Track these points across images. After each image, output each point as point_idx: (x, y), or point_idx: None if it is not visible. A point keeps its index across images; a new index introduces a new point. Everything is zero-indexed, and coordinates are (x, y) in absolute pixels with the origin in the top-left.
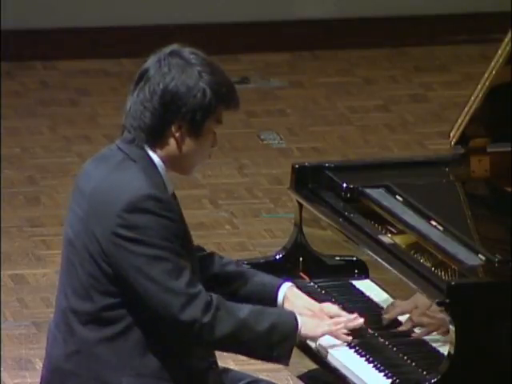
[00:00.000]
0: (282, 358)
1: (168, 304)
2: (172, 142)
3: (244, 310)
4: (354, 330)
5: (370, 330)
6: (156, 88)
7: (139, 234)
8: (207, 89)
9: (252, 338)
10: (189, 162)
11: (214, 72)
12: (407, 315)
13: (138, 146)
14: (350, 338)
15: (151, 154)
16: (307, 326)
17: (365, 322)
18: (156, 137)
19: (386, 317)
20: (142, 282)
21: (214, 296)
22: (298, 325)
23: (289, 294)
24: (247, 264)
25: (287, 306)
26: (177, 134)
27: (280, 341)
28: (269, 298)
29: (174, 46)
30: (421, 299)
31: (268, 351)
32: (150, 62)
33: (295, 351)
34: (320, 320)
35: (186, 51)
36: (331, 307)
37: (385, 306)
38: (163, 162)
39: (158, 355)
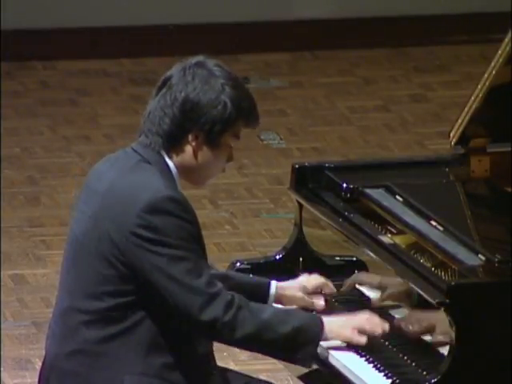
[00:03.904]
0: (306, 361)
1: (189, 303)
2: (188, 149)
3: (268, 311)
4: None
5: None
6: (178, 95)
7: (159, 235)
8: (228, 102)
9: (274, 339)
10: (202, 173)
11: (237, 86)
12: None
13: (154, 150)
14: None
15: (167, 159)
16: (332, 330)
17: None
18: (173, 142)
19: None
20: (162, 282)
21: (237, 296)
22: (323, 329)
23: (280, 291)
24: (247, 264)
25: (286, 302)
26: (193, 143)
27: (303, 344)
28: (260, 297)
29: (200, 57)
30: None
31: (291, 353)
32: (175, 69)
33: None
34: (345, 324)
35: (211, 63)
36: (316, 279)
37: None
38: (177, 169)
39: (162, 355)
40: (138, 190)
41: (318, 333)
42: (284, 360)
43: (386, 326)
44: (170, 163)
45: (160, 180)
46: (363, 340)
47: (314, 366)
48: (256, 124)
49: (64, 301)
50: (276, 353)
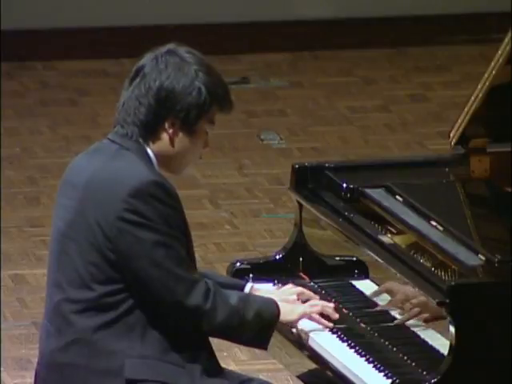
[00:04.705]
0: (264, 344)
1: (173, 289)
2: (165, 137)
3: (233, 296)
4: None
5: (368, 329)
6: (152, 84)
7: (145, 219)
8: (203, 88)
9: (241, 324)
10: (179, 161)
11: (210, 72)
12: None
13: (132, 139)
14: (330, 323)
15: (145, 147)
16: (284, 310)
17: (364, 322)
18: (149, 131)
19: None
20: (146, 267)
21: (210, 282)
22: (279, 311)
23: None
24: (247, 264)
25: None
26: (170, 131)
27: (263, 327)
28: None
29: (171, 45)
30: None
31: (252, 337)
32: (146, 59)
33: (295, 351)
34: (295, 304)
35: (183, 50)
36: (293, 288)
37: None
38: (156, 158)
39: (158, 337)
40: (123, 175)
41: (275, 316)
42: (245, 344)
43: (336, 315)
44: (149, 151)
45: (144, 165)
46: (323, 320)
47: (314, 366)
48: (230, 109)
49: (54, 296)
50: (240, 337)
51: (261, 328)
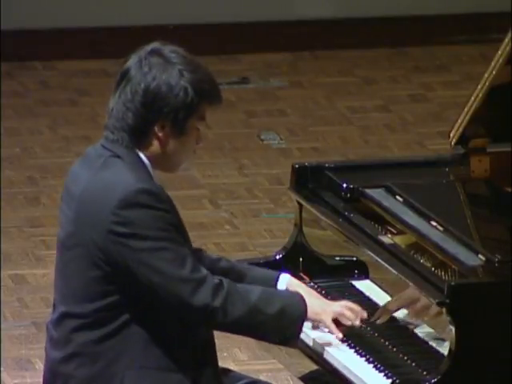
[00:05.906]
0: (292, 341)
1: (177, 292)
2: (155, 141)
3: (254, 292)
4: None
5: (368, 329)
6: (137, 88)
7: (136, 229)
8: (189, 87)
9: (263, 320)
10: (174, 161)
11: (195, 70)
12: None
13: (123, 145)
14: (341, 335)
15: (137, 151)
16: (313, 311)
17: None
18: (139, 137)
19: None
20: (146, 276)
21: (225, 280)
22: (306, 307)
23: (290, 287)
24: (247, 264)
25: None
26: (160, 134)
27: (289, 323)
28: None
29: (155, 44)
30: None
31: (278, 334)
32: (131, 61)
33: (295, 352)
34: (326, 308)
35: (167, 49)
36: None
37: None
38: (149, 160)
39: (160, 346)
40: (110, 187)
41: (302, 312)
42: (272, 341)
43: (365, 314)
44: (141, 155)
45: (131, 174)
46: (340, 336)
47: (314, 366)
48: (220, 101)
49: (59, 304)
50: (264, 334)
51: (287, 325)
